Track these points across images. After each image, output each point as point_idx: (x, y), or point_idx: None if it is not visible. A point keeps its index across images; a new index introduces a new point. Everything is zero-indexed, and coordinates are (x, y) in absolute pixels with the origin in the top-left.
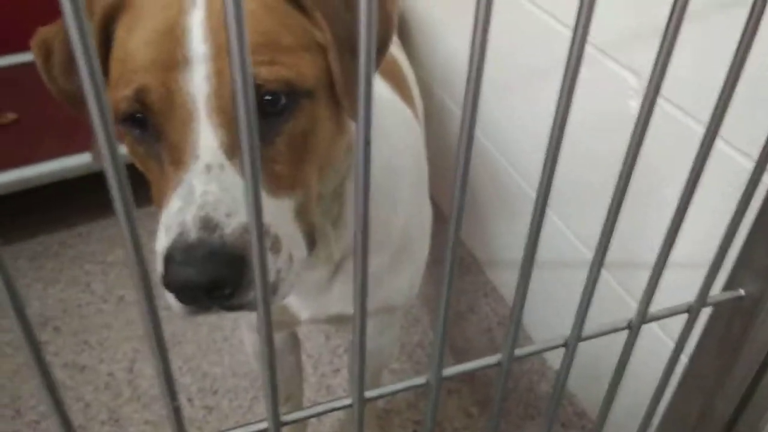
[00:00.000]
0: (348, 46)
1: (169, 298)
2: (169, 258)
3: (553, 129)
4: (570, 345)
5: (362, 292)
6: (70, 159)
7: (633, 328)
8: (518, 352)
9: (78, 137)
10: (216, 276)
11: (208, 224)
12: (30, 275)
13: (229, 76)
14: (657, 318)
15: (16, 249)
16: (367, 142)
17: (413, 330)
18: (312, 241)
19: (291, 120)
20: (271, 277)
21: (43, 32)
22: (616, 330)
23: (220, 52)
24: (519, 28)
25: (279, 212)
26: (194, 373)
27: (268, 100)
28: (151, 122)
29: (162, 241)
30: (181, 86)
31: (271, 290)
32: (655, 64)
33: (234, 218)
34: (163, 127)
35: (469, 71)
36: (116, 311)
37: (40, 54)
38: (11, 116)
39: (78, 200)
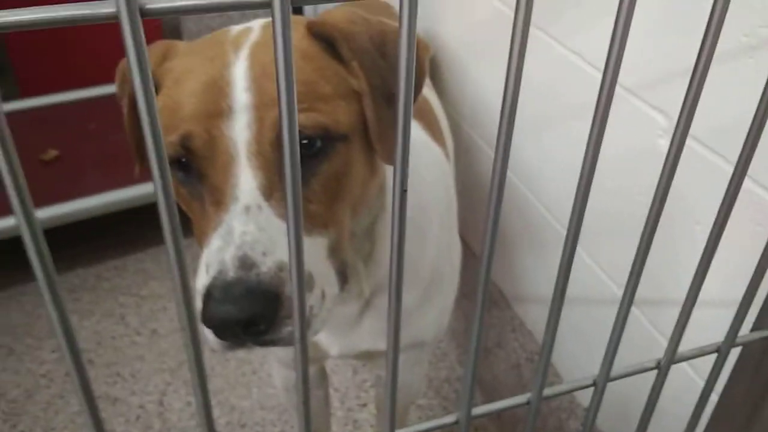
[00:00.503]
0: (382, 93)
1: (207, 333)
2: (208, 295)
3: (583, 167)
4: (599, 385)
5: (395, 347)
6: (108, 195)
7: (662, 369)
8: (547, 391)
9: (116, 174)
10: (252, 313)
11: (245, 263)
12: (68, 307)
13: (268, 123)
14: (686, 359)
15: (58, 281)
16: (404, 190)
17: (441, 365)
18: (344, 278)
19: (326, 162)
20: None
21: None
22: (644, 370)
23: (260, 101)
24: (548, 68)
25: (312, 250)
26: (222, 407)
27: (304, 143)
28: (195, 166)
29: (202, 279)
30: (224, 132)
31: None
32: (684, 105)
33: (270, 257)
34: (206, 171)
35: (502, 113)
36: (149, 344)
37: (120, 79)
38: (53, 153)
39: (114, 235)
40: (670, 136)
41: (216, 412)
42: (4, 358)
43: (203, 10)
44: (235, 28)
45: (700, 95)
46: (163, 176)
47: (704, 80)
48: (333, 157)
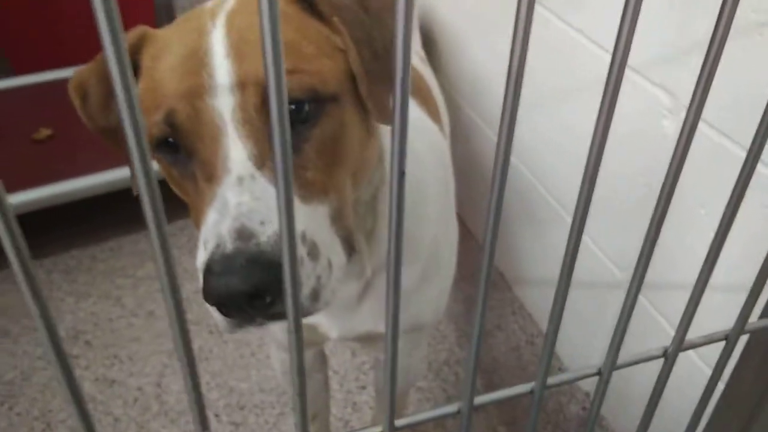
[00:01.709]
0: (368, 48)
1: (214, 314)
2: (208, 270)
3: (590, 153)
4: (604, 374)
5: (394, 328)
6: (103, 175)
7: (669, 357)
8: (551, 380)
9: (110, 154)
10: (254, 283)
11: (243, 233)
12: (63, 288)
13: (251, 89)
14: (693, 346)
15: (50, 262)
16: (402, 173)
17: (440, 347)
18: (351, 246)
19: (317, 126)
20: (312, 283)
21: (78, 75)
22: (651, 358)
23: (241, 68)
24: (548, 45)
25: (314, 219)
26: (221, 389)
27: (292, 108)
28: (182, 144)
29: (201, 256)
30: (208, 104)
31: (312, 297)
32: (697, 86)
33: (268, 226)
34: (194, 147)
35: (506, 96)
36: (146, 325)
37: (78, 95)
38: (46, 132)
39: (109, 215)
40: (675, 116)
41: (214, 395)
42: (0, 339)
43: None
44: (210, 2)
45: (714, 76)
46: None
47: (719, 60)
48: (324, 119)
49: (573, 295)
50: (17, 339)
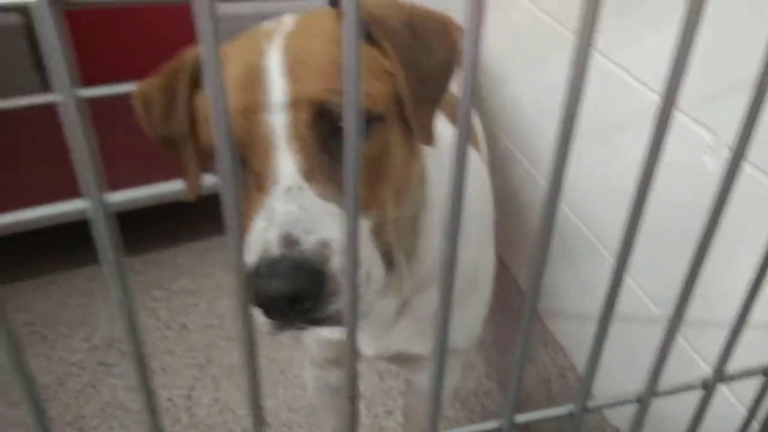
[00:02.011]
0: (415, 73)
1: (257, 316)
2: (254, 273)
3: (636, 190)
4: (643, 401)
5: (442, 343)
6: (142, 189)
7: (708, 388)
8: (591, 404)
9: (149, 169)
10: (297, 288)
11: (288, 240)
12: (101, 297)
13: (304, 107)
14: (732, 378)
15: (89, 272)
16: (459, 194)
17: (468, 375)
18: (389, 261)
19: (365, 144)
20: None
21: (142, 86)
22: (690, 388)
23: (295, 87)
24: (591, 81)
25: None
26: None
27: (342, 126)
28: (237, 155)
29: (248, 259)
30: (262, 119)
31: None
32: (741, 127)
33: (312, 235)
34: (248, 158)
35: (558, 137)
36: (178, 338)
37: (141, 105)
38: None
39: (147, 229)
40: (716, 152)
41: (243, 410)
42: (37, 344)
43: None
44: (268, 23)
45: (757, 114)
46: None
47: (761, 100)
48: (372, 138)
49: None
50: (53, 344)
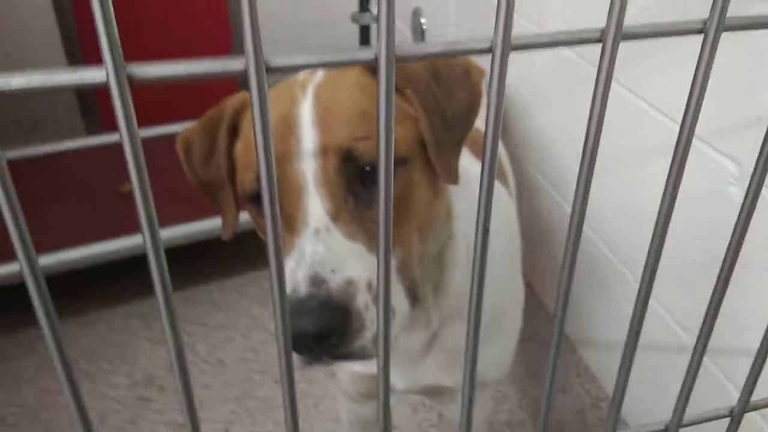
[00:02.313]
0: (438, 116)
1: None
2: None
3: (658, 219)
4: (671, 429)
5: (471, 380)
6: (180, 228)
7: (735, 417)
8: None
9: (185, 208)
10: (323, 325)
11: (315, 280)
12: (140, 334)
13: (332, 154)
14: (760, 407)
15: (129, 309)
16: (486, 230)
17: (501, 408)
18: (414, 297)
19: None
20: (373, 329)
21: (185, 132)
22: (717, 417)
23: (324, 135)
24: (613, 112)
25: None
26: None
27: (367, 170)
28: None
29: None
30: (294, 166)
31: (372, 342)
32: (759, 155)
33: (338, 274)
34: (280, 202)
35: (581, 166)
36: (215, 373)
37: (183, 150)
38: (130, 186)
39: (183, 266)
40: (741, 183)
41: None
42: (80, 381)
43: (321, 65)
44: (301, 74)
45: None
46: (272, 207)
47: None
48: (395, 180)
49: (637, 354)
50: (95, 380)
